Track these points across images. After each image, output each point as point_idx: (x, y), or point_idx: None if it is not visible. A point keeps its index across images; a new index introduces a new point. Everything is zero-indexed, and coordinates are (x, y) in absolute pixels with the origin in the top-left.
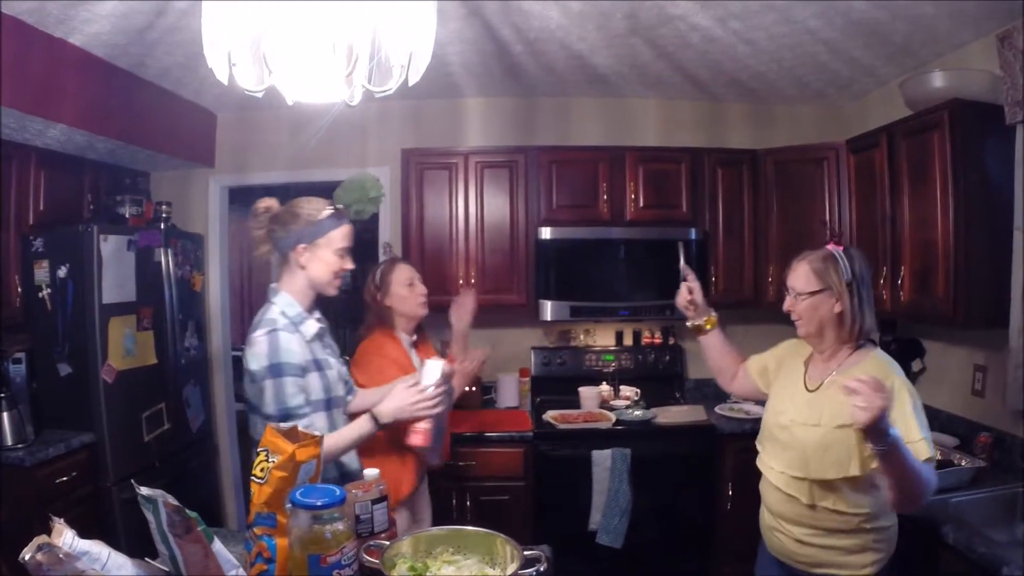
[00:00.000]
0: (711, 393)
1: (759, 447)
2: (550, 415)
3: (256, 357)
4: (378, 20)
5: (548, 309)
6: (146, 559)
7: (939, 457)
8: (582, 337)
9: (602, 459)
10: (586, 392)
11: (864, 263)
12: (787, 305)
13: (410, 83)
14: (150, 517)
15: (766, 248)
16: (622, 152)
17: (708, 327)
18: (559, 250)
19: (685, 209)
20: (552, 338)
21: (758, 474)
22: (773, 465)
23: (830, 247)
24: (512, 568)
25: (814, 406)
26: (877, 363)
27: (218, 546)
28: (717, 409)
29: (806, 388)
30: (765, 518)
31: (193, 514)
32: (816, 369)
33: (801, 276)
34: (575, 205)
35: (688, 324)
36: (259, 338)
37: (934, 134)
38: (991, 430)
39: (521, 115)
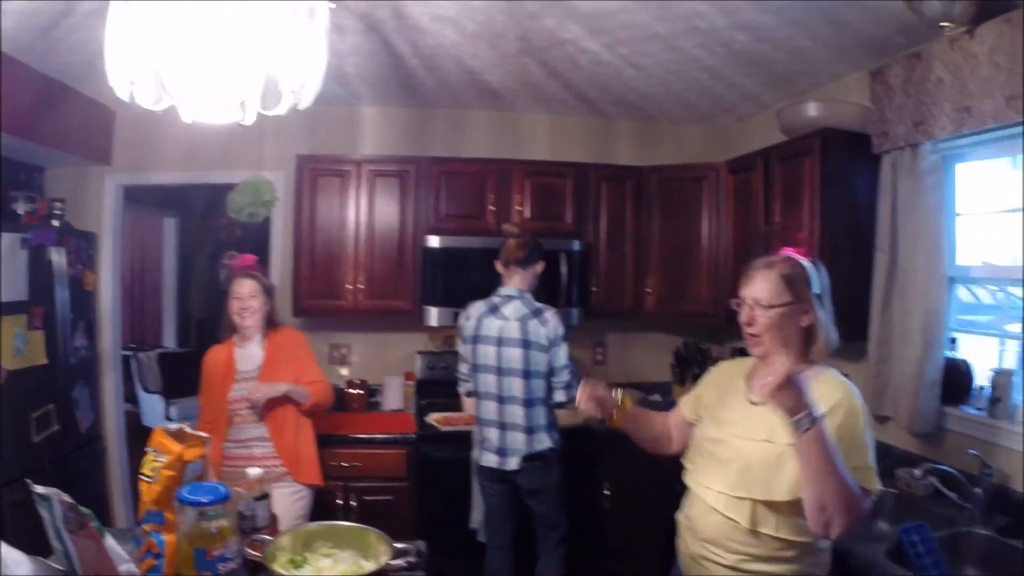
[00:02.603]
0: None
1: (688, 464)
2: (432, 417)
3: (556, 328)
4: (271, 50)
5: (433, 315)
6: (39, 558)
7: None
8: None
9: None
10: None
11: (825, 274)
12: (745, 317)
13: (300, 107)
14: (45, 514)
15: (647, 261)
16: (510, 165)
17: (627, 406)
18: (445, 258)
19: (569, 221)
20: (437, 343)
21: (637, 475)
22: (709, 484)
23: (792, 253)
24: (384, 559)
25: (761, 421)
26: (839, 380)
27: (110, 541)
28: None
29: (750, 402)
30: (688, 546)
31: (87, 511)
32: (763, 384)
33: (769, 286)
34: (462, 215)
35: (599, 421)
36: (554, 315)
37: (806, 159)
38: None
39: (416, 126)
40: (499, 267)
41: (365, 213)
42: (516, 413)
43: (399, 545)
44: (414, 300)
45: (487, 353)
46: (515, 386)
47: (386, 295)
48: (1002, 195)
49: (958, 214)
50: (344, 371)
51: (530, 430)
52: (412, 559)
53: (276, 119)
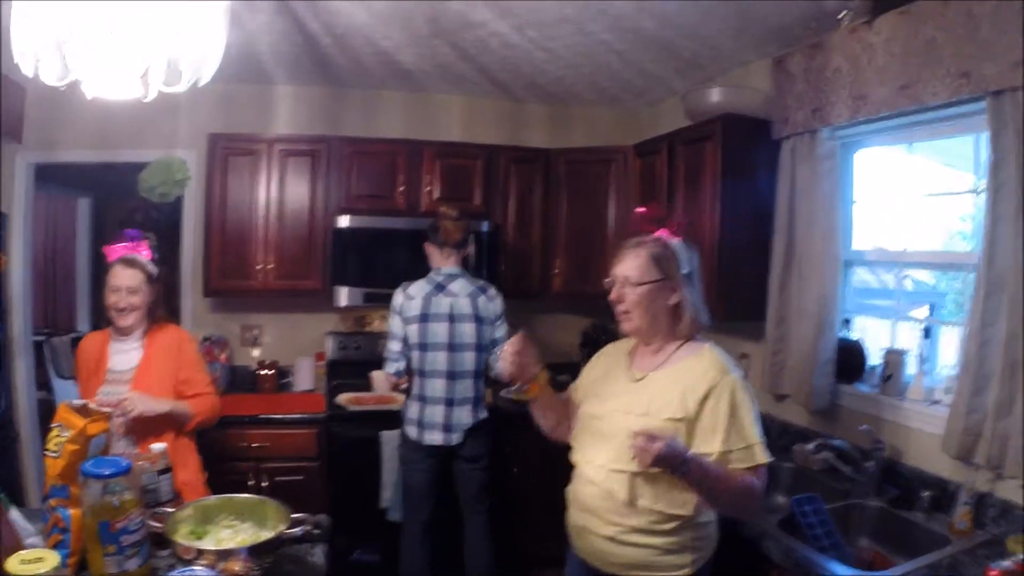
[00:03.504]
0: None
1: (574, 443)
2: (342, 398)
3: (501, 303)
4: (171, 27)
5: (343, 295)
6: None
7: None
8: (377, 323)
9: (390, 439)
10: (378, 376)
11: (697, 255)
12: (615, 295)
13: (200, 84)
14: None
15: (555, 242)
16: (420, 146)
17: (542, 379)
18: (355, 238)
19: (478, 202)
20: (348, 323)
21: (541, 454)
22: (591, 459)
23: (664, 235)
24: (281, 527)
25: (640, 395)
26: (714, 356)
27: (15, 514)
28: (502, 393)
29: (632, 379)
30: (574, 518)
31: None
32: (643, 360)
33: (639, 264)
34: (372, 195)
35: (512, 395)
36: (496, 292)
37: (707, 144)
38: None
39: (329, 105)
40: (432, 248)
41: (276, 192)
42: (466, 387)
43: (296, 515)
44: (324, 280)
45: (438, 331)
46: (467, 360)
47: (296, 275)
48: (898, 181)
49: (855, 201)
50: (256, 352)
51: (476, 401)
52: (308, 527)
53: (190, 97)
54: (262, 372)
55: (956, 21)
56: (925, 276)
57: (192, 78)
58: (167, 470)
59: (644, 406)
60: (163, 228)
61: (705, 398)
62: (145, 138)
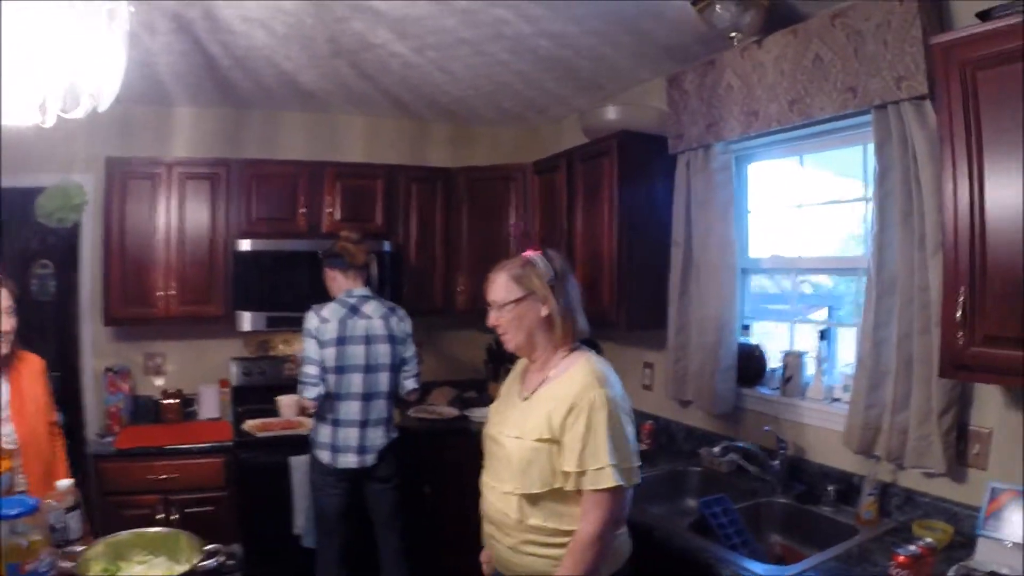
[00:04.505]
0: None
1: (484, 463)
2: (249, 424)
3: (409, 322)
4: (69, 52)
5: (246, 320)
6: None
7: None
8: (281, 347)
9: (300, 464)
10: (284, 400)
11: (564, 263)
12: (491, 320)
13: (99, 110)
14: None
15: (457, 259)
16: (321, 167)
17: None
18: (257, 262)
19: (380, 223)
20: (252, 348)
21: (451, 470)
22: (487, 479)
23: (527, 254)
24: (195, 560)
25: (520, 418)
26: (586, 370)
27: None
28: (410, 412)
29: (520, 398)
30: (484, 527)
31: None
32: (530, 378)
33: (501, 286)
34: (273, 218)
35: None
36: (405, 311)
37: (604, 160)
38: (658, 419)
39: (231, 126)
40: (335, 272)
41: (176, 217)
42: (380, 407)
43: (209, 547)
44: (226, 305)
45: (355, 353)
46: (382, 381)
47: (198, 301)
48: (793, 191)
49: (750, 211)
50: (159, 381)
51: (388, 421)
52: (222, 558)
53: (88, 120)
54: (166, 401)
55: (842, 39)
56: (824, 280)
57: (91, 104)
58: (75, 507)
59: (519, 429)
60: (61, 254)
61: (567, 416)
62: (41, 162)
